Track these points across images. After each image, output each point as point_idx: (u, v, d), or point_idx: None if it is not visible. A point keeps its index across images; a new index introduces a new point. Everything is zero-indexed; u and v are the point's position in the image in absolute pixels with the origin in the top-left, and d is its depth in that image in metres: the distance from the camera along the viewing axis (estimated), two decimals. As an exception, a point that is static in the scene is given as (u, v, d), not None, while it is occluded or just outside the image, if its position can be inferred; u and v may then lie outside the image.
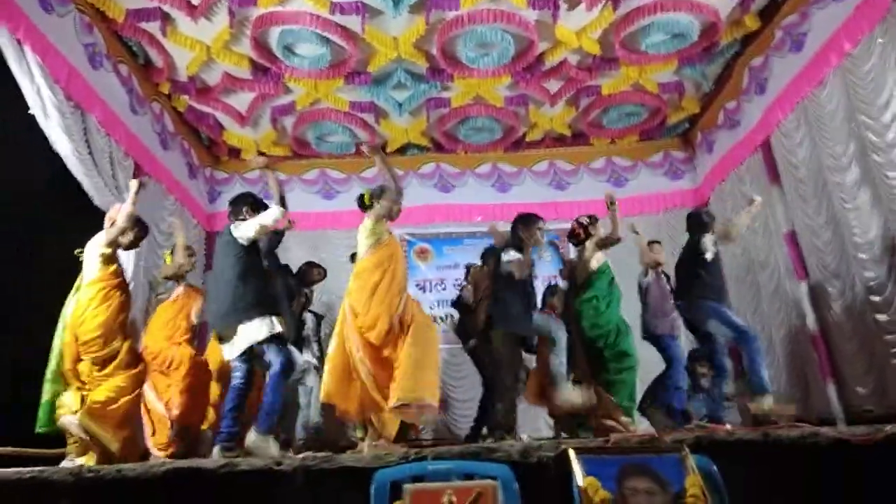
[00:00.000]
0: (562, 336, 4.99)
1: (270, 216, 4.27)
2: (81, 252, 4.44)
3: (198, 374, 5.00)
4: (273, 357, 4.12)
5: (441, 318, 8.26)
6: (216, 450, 4.02)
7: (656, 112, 8.34)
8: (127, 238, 4.50)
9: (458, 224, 8.88)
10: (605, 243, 5.16)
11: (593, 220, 5.35)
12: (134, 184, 4.60)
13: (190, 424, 4.97)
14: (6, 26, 4.77)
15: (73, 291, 4.42)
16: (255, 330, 4.10)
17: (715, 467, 2.52)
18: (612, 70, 7.35)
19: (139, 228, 4.63)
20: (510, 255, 4.96)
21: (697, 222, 5.61)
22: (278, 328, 4.15)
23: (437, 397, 4.10)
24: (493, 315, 5.07)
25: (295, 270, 6.27)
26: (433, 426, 7.41)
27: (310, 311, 6.46)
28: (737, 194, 7.71)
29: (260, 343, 4.10)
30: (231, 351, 4.18)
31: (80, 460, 4.04)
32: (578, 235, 5.38)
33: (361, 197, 4.45)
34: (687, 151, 9.00)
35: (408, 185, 8.52)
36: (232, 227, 4.33)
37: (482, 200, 8.89)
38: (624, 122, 8.51)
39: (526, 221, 5.11)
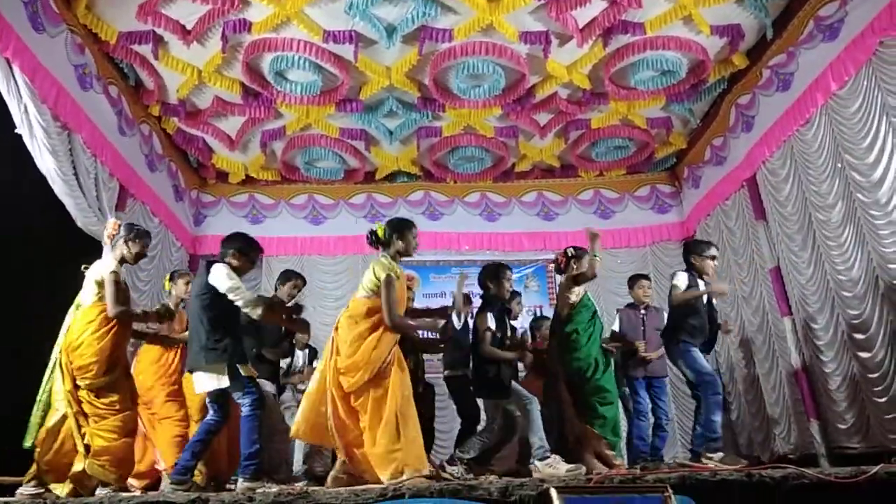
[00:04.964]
0: (535, 409, 4.67)
1: (243, 298, 3.98)
2: (87, 268, 4.16)
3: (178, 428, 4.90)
4: (240, 399, 3.97)
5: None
6: (165, 482, 3.86)
7: (644, 146, 8.43)
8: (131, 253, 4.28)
9: (446, 252, 8.87)
10: (579, 281, 5.11)
11: (579, 254, 5.24)
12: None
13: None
14: (-5, 45, 4.75)
15: (74, 307, 4.16)
16: (211, 380, 3.96)
17: (698, 508, 2.48)
18: (602, 104, 7.44)
19: (145, 243, 4.39)
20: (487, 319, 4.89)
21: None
22: (225, 384, 3.94)
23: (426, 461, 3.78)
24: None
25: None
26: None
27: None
28: (722, 229, 7.79)
29: (224, 390, 3.96)
30: (201, 386, 4.02)
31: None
32: (559, 264, 5.36)
33: (374, 232, 4.10)
34: (674, 186, 9.10)
35: (396, 212, 8.51)
36: (213, 268, 4.06)
37: (470, 229, 8.92)
38: (612, 156, 8.59)
39: (494, 273, 5.03)
